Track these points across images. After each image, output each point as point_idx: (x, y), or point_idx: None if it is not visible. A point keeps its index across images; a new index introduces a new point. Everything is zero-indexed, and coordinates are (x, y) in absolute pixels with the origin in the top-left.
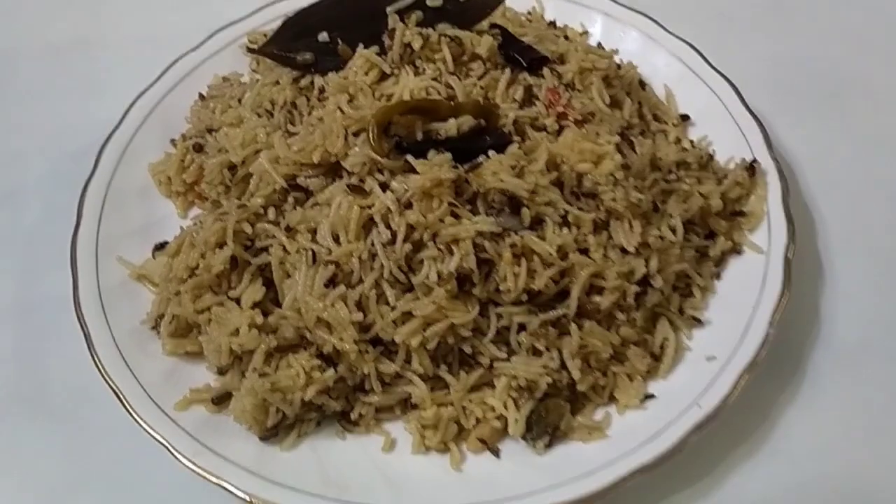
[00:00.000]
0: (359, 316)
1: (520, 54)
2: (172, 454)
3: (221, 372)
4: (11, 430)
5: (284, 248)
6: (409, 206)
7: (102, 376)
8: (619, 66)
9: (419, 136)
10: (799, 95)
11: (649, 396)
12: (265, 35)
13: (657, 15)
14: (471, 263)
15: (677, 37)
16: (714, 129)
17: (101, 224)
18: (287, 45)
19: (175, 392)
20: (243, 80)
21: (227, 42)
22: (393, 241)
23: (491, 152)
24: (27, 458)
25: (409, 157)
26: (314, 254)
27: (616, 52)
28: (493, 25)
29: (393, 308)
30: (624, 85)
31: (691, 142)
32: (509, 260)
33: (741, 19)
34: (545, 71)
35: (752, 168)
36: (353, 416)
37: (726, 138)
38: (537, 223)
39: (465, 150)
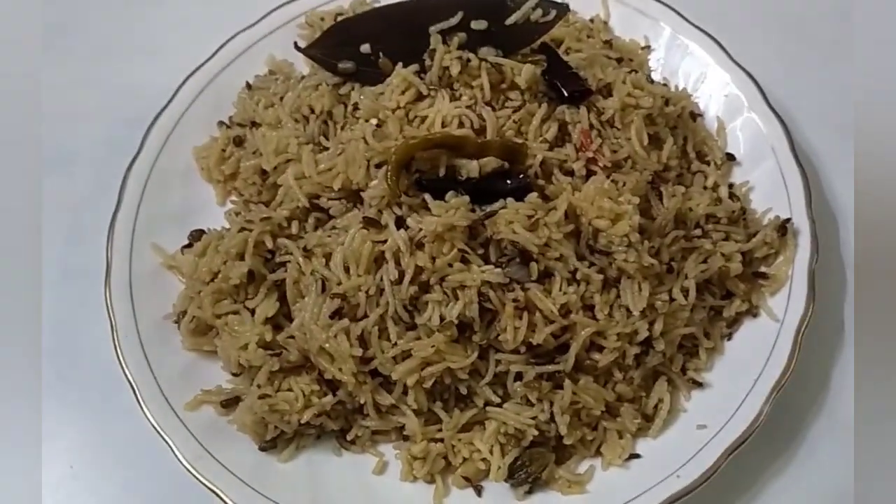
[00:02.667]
0: (358, 351)
1: (563, 83)
2: (174, 454)
3: (235, 374)
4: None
5: (300, 269)
6: (420, 245)
7: (121, 367)
8: (666, 102)
9: (442, 171)
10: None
11: (634, 456)
12: (322, 19)
13: (725, 34)
14: (473, 312)
15: (739, 66)
16: (758, 173)
17: (141, 206)
18: (330, 51)
19: (189, 389)
20: (294, 72)
21: (287, 19)
22: (401, 281)
23: (510, 199)
24: (48, 426)
25: (427, 197)
26: (324, 282)
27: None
28: (543, 46)
29: (394, 345)
30: (671, 119)
31: (731, 185)
32: (511, 313)
33: (817, 44)
34: (583, 109)
35: (783, 228)
36: (350, 435)
37: (768, 186)
38: (546, 276)
39: (485, 191)
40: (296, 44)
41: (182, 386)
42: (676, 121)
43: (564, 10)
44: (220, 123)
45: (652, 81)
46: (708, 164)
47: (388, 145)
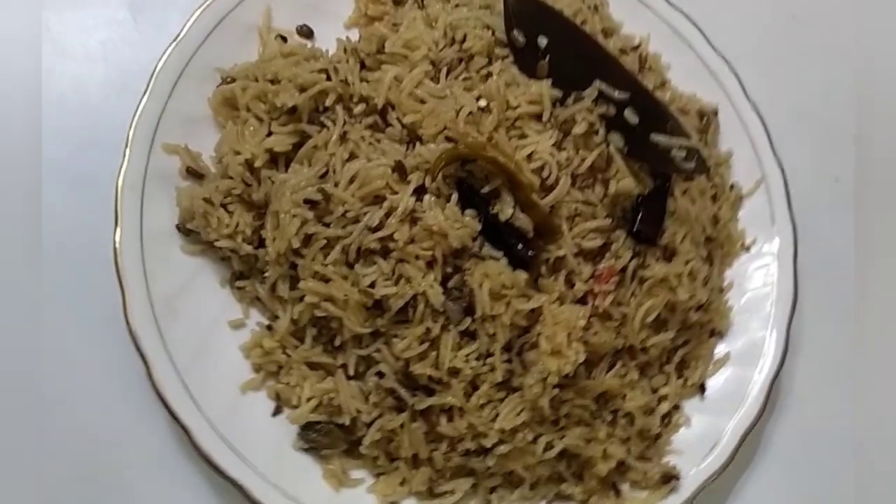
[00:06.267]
0: (297, 243)
1: (643, 218)
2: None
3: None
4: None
5: (326, 145)
6: (413, 222)
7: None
8: (700, 307)
9: (486, 189)
10: None
11: None
12: None
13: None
14: (395, 305)
15: (781, 363)
16: (702, 420)
17: None
18: (522, 14)
19: (180, 137)
20: None
21: None
22: (374, 230)
23: (505, 259)
24: None
25: (454, 196)
26: (326, 173)
27: None
28: (664, 177)
29: (324, 265)
30: (689, 320)
31: (676, 407)
32: (415, 335)
33: None
34: (629, 254)
35: (667, 480)
36: (240, 284)
37: (695, 438)
38: (471, 335)
39: (497, 234)
40: None
41: (178, 130)
42: (693, 324)
43: (702, 170)
44: None
45: (708, 282)
46: (679, 377)
47: (468, 134)
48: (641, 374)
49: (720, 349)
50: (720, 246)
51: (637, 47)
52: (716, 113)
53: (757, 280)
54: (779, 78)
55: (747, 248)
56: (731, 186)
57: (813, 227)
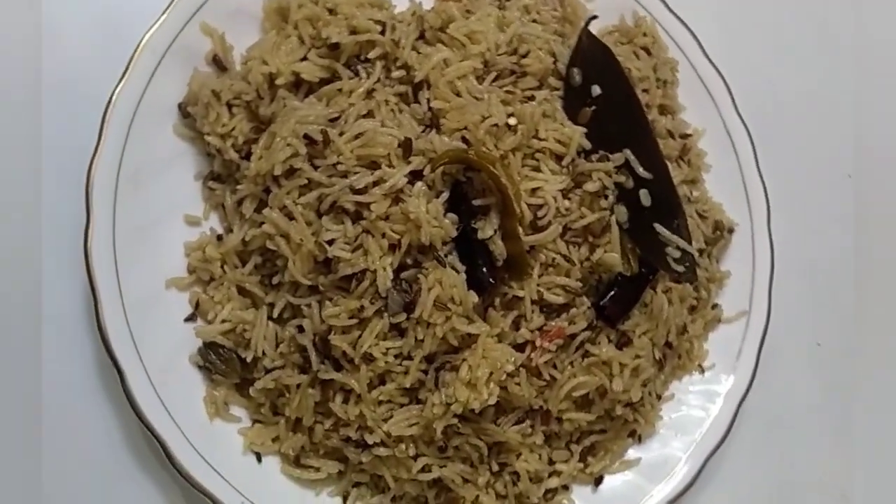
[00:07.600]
0: (279, 170)
1: (614, 300)
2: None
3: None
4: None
5: (349, 95)
6: (395, 202)
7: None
8: (630, 404)
9: (478, 202)
10: None
11: None
12: None
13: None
14: (342, 272)
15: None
16: None
17: None
18: (587, 55)
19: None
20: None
21: None
22: (356, 193)
23: (465, 274)
24: None
25: (444, 195)
26: (338, 119)
27: None
28: (652, 268)
29: (294, 203)
30: (613, 411)
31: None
32: (347, 308)
33: None
34: (582, 323)
35: None
36: (213, 185)
37: None
38: (398, 330)
39: (467, 248)
40: (588, 20)
41: (223, 16)
42: (617, 417)
43: (689, 278)
44: None
45: (648, 384)
46: (581, 460)
47: (483, 144)
48: (546, 441)
49: (633, 452)
50: (677, 356)
51: (687, 136)
52: (731, 231)
53: (697, 404)
54: (814, 231)
55: (703, 371)
56: (714, 306)
57: (775, 376)
